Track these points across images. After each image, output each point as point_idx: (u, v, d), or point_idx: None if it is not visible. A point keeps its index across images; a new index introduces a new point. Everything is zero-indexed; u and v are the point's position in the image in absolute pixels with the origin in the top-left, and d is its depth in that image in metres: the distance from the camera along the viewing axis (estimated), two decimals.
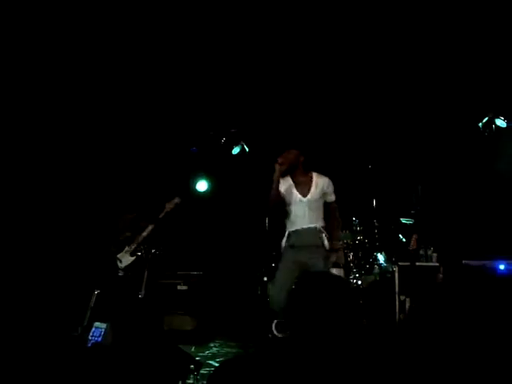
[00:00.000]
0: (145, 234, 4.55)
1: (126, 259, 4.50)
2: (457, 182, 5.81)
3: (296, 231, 3.63)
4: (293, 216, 3.64)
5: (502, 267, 4.64)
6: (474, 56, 5.02)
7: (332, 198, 3.77)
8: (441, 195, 5.72)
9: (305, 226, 3.62)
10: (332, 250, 3.68)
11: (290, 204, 3.66)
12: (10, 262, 4.62)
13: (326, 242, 3.63)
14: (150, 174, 5.80)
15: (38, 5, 4.39)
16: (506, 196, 5.52)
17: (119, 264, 4.48)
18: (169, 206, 4.67)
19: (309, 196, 3.64)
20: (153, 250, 4.83)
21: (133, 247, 4.53)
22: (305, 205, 3.63)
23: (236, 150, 6.30)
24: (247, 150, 6.28)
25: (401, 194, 5.85)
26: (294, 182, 3.70)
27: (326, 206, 3.76)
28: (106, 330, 3.56)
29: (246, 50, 5.24)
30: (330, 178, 3.80)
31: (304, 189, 3.66)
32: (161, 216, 4.63)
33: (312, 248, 3.60)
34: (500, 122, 5.54)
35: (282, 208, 3.71)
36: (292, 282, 3.68)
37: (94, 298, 4.29)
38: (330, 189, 3.74)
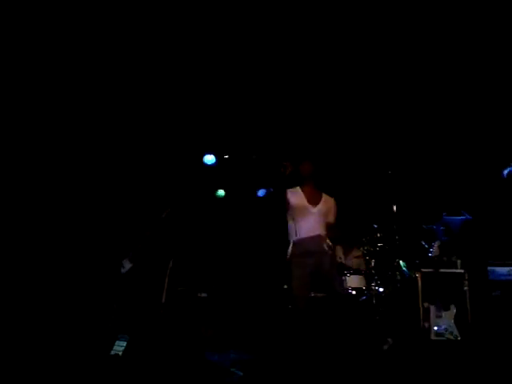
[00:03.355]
0: (142, 241, 4.65)
1: (127, 265, 4.60)
2: (479, 186, 5.71)
3: (307, 238, 3.73)
4: (302, 225, 3.75)
5: None
6: (481, 57, 4.95)
7: (332, 219, 3.93)
8: (463, 200, 5.61)
9: (312, 234, 3.75)
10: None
11: (300, 214, 3.78)
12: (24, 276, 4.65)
13: (330, 249, 3.80)
14: (172, 181, 5.86)
15: (37, 5, 4.41)
16: None
17: (122, 269, 4.58)
18: (161, 216, 4.77)
19: (319, 206, 3.83)
20: (172, 258, 4.86)
21: (131, 253, 4.63)
22: (315, 215, 3.79)
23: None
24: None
25: (422, 200, 5.78)
26: (304, 193, 3.87)
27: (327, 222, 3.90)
28: (126, 344, 3.57)
29: (247, 50, 5.22)
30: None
31: (314, 201, 3.84)
32: (154, 225, 4.72)
33: (319, 254, 3.72)
34: None
35: (290, 217, 3.83)
36: (309, 290, 3.70)
37: (114, 310, 4.33)
38: (334, 210, 3.95)
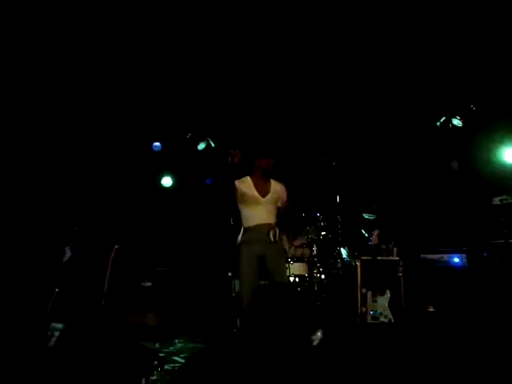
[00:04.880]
0: (77, 230, 4.49)
1: (67, 253, 4.46)
2: (416, 178, 6.03)
3: (255, 226, 3.78)
4: (252, 213, 3.82)
5: (456, 260, 4.86)
6: (431, 56, 5.21)
7: (284, 204, 4.02)
8: (400, 191, 5.91)
9: (263, 222, 3.80)
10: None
11: (250, 203, 3.83)
12: None
13: (279, 237, 3.84)
14: (116, 168, 5.70)
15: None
16: (460, 191, 5.79)
17: (63, 257, 4.42)
18: (101, 206, 4.63)
19: (269, 196, 3.88)
20: (116, 246, 4.75)
21: (71, 243, 4.48)
22: (265, 204, 3.85)
23: (202, 146, 6.27)
24: (213, 145, 6.26)
25: (363, 190, 6.02)
26: (253, 182, 3.91)
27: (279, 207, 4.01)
28: (62, 330, 3.48)
29: (210, 46, 5.21)
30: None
31: (264, 190, 3.89)
32: (92, 214, 4.57)
33: (268, 242, 3.76)
34: (456, 122, 5.78)
35: (241, 206, 3.88)
36: (256, 277, 3.75)
37: (54, 296, 4.18)
38: (284, 194, 4.01)
